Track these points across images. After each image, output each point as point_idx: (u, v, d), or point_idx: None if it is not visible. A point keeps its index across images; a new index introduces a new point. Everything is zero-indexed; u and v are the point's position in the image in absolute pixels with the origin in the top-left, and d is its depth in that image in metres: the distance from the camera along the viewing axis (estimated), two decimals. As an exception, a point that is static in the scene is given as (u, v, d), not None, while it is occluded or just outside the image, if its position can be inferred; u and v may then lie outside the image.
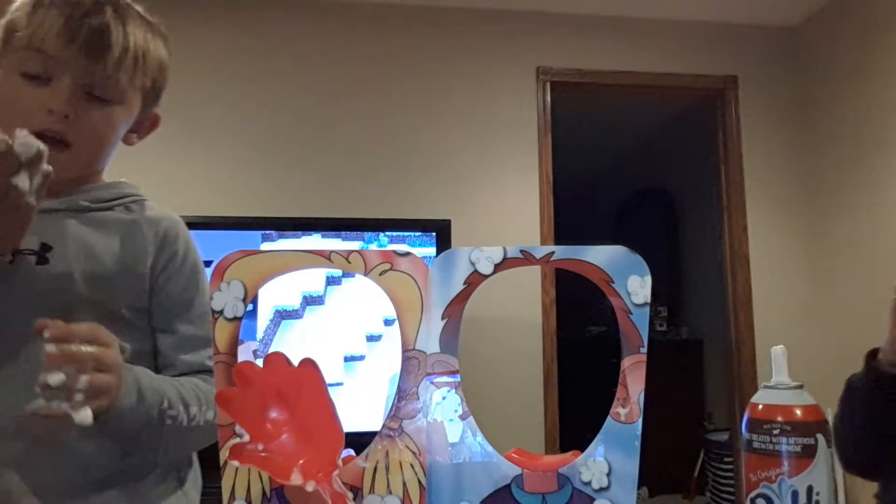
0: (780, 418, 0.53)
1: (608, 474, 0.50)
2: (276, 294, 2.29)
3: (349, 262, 0.51)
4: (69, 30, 0.77)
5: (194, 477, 0.92)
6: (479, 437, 0.51)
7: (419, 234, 2.44)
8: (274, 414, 0.48)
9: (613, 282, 0.51)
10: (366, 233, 2.43)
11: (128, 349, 0.82)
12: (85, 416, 0.61)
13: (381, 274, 0.51)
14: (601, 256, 0.51)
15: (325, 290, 2.31)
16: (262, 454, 0.47)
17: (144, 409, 0.74)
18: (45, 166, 0.67)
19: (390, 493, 0.50)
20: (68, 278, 0.80)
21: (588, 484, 0.51)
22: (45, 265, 0.79)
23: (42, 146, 0.67)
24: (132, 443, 0.78)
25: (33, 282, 0.78)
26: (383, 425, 0.51)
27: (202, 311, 0.89)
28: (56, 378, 0.61)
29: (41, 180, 0.68)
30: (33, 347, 0.71)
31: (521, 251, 0.51)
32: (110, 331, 0.75)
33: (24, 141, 0.65)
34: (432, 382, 0.51)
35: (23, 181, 0.66)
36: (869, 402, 0.92)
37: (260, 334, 2.23)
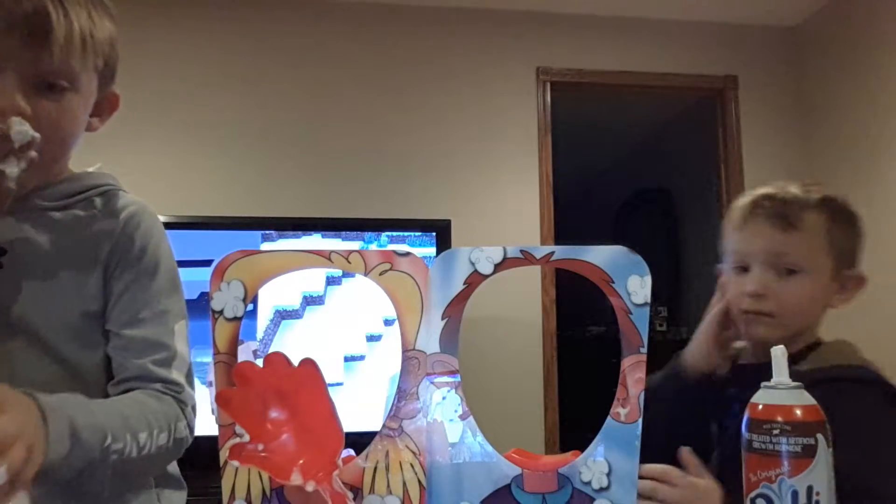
0: (780, 418, 0.52)
1: (608, 474, 0.50)
2: (276, 294, 2.29)
3: (349, 262, 0.51)
4: (3, 19, 0.70)
5: (179, 498, 0.86)
6: (479, 437, 0.51)
7: (419, 234, 2.45)
8: (274, 414, 0.48)
9: (613, 282, 0.51)
10: (366, 233, 2.43)
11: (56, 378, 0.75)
12: (20, 500, 0.55)
13: (381, 274, 0.51)
14: (601, 256, 0.51)
15: (325, 290, 2.31)
16: (262, 454, 0.47)
17: (83, 452, 0.65)
18: (33, 153, 0.68)
19: (390, 493, 0.50)
20: (18, 285, 0.75)
21: (588, 484, 0.51)
22: None
23: (35, 134, 0.67)
24: (76, 485, 0.69)
25: None
26: (383, 425, 0.51)
27: (158, 311, 0.80)
28: None
29: (25, 166, 0.68)
30: None
31: (521, 251, 0.51)
32: (59, 342, 0.72)
33: (20, 129, 0.66)
34: (432, 382, 0.51)
35: (11, 167, 0.66)
36: (672, 411, 0.88)
37: (260, 334, 2.23)
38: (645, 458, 0.52)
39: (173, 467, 0.87)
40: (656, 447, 0.58)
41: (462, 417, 0.51)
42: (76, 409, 0.66)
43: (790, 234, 0.84)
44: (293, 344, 2.28)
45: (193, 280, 2.29)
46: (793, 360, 0.85)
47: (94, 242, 0.80)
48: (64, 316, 0.77)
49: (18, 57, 0.71)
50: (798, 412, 0.53)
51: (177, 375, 0.79)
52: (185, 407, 0.79)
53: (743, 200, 0.91)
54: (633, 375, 0.51)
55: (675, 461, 0.76)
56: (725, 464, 0.78)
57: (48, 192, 0.80)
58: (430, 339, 0.51)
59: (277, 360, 0.48)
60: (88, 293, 0.79)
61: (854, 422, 0.71)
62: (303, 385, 0.48)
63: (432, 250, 2.43)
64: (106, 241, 0.80)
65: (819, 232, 0.85)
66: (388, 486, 0.50)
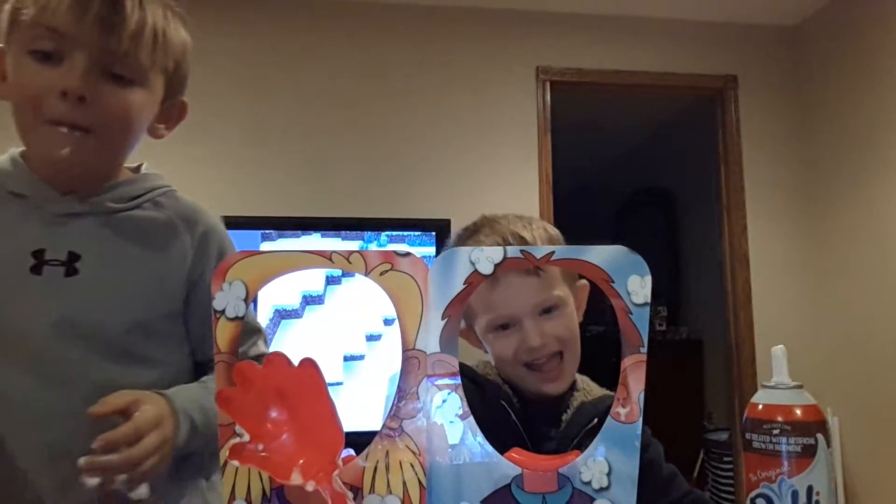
0: (780, 418, 0.53)
1: (608, 474, 0.50)
2: (276, 294, 2.29)
3: (350, 262, 0.51)
4: (80, 3, 0.70)
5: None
6: (479, 438, 0.51)
7: (419, 233, 2.45)
8: (274, 414, 0.48)
9: (613, 282, 0.51)
10: (366, 233, 2.43)
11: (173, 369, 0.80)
12: (140, 493, 0.63)
13: (381, 274, 0.51)
14: (601, 256, 0.51)
15: (325, 290, 2.32)
16: (262, 454, 0.47)
17: (197, 443, 0.73)
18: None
19: (390, 493, 0.50)
20: (97, 290, 0.75)
21: (588, 484, 0.51)
22: (74, 276, 0.74)
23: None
24: (184, 462, 0.77)
25: (60, 295, 0.74)
26: (383, 425, 0.51)
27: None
28: (92, 482, 0.61)
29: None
30: (53, 363, 0.71)
31: (521, 251, 0.51)
32: (140, 342, 0.74)
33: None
34: (433, 383, 0.51)
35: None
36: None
37: (260, 334, 2.23)
38: None
39: None
40: None
41: (462, 417, 0.51)
42: (193, 405, 0.73)
43: (542, 277, 0.82)
44: (293, 343, 2.28)
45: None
46: (567, 393, 0.87)
47: (177, 249, 0.82)
48: (139, 315, 0.78)
49: (89, 40, 0.71)
50: (798, 412, 0.53)
51: (264, 349, 0.87)
52: None
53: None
54: (633, 375, 0.51)
55: None
56: None
57: (116, 193, 0.80)
58: (430, 339, 0.51)
59: (277, 360, 0.48)
60: (167, 293, 0.81)
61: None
62: (303, 385, 0.48)
63: (432, 250, 2.43)
64: (189, 248, 0.82)
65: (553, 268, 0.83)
66: (388, 486, 0.50)
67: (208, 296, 0.82)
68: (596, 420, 0.83)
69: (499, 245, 0.83)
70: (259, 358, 0.86)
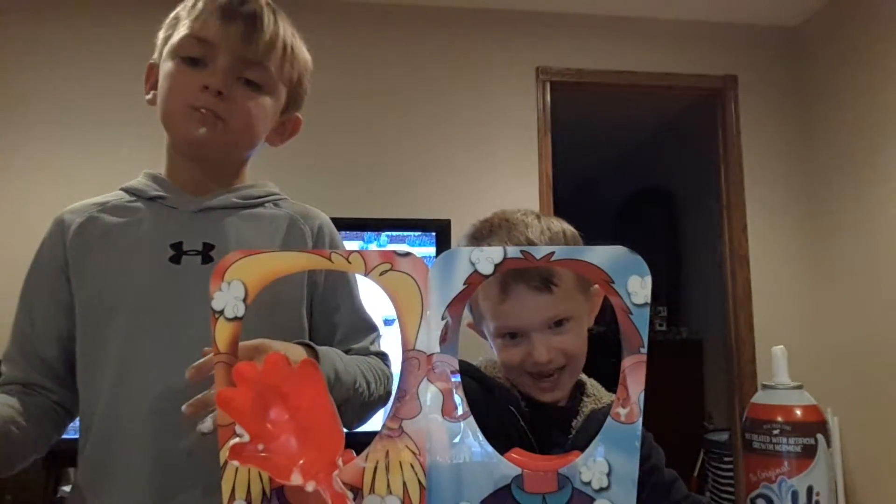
0: (780, 418, 0.52)
1: (608, 474, 0.50)
2: (276, 294, 2.29)
3: (349, 262, 0.51)
4: (226, 15, 0.82)
5: None
6: (480, 438, 0.51)
7: (419, 234, 2.44)
8: (274, 414, 0.48)
9: (613, 282, 0.51)
10: (366, 233, 2.43)
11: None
12: (206, 426, 0.62)
13: (381, 274, 0.51)
14: (601, 256, 0.51)
15: (325, 290, 2.31)
16: (262, 454, 0.47)
17: (341, 390, 0.77)
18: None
19: (390, 493, 0.50)
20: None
21: (588, 484, 0.51)
22: (209, 264, 0.82)
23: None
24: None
25: (199, 282, 0.77)
26: (383, 425, 0.51)
27: (359, 303, 0.94)
28: (206, 425, 0.62)
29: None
30: (196, 347, 0.72)
31: (521, 251, 0.51)
32: (273, 324, 0.76)
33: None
34: (433, 384, 0.51)
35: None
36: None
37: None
38: None
39: None
40: None
41: (462, 417, 0.51)
42: (335, 355, 0.79)
43: (554, 292, 0.80)
44: (293, 344, 2.27)
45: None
46: (574, 400, 0.87)
47: (298, 240, 0.90)
48: (267, 299, 0.81)
49: (231, 48, 0.82)
50: (798, 412, 0.53)
51: (382, 348, 0.95)
52: (389, 370, 0.92)
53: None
54: (633, 376, 0.51)
55: None
56: None
57: (240, 193, 0.90)
58: (430, 340, 0.51)
59: (277, 360, 0.48)
60: (291, 280, 0.87)
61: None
62: (303, 385, 0.48)
63: (432, 250, 2.43)
64: (309, 239, 0.91)
65: (568, 275, 0.82)
66: (388, 486, 0.50)
67: (325, 282, 0.90)
68: None
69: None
70: (382, 356, 0.92)
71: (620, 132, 4.45)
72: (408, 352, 0.51)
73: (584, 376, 0.92)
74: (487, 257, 0.51)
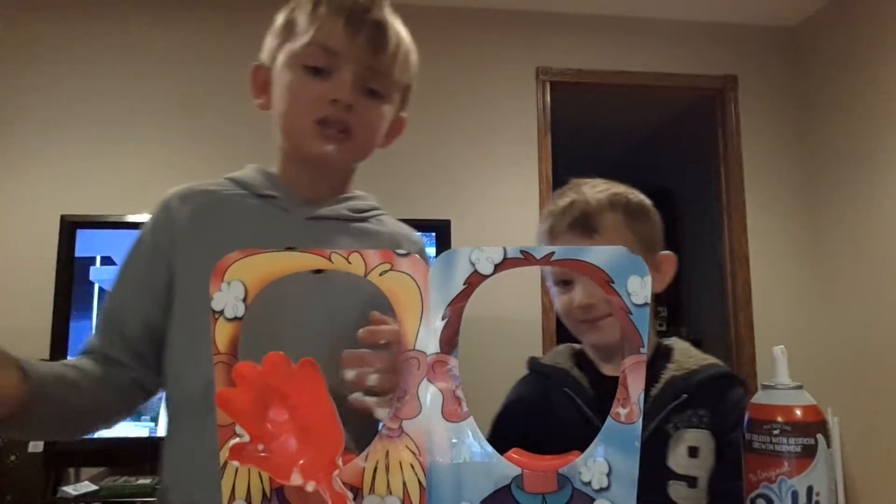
0: (780, 418, 0.52)
1: (608, 474, 0.50)
2: (276, 294, 2.29)
3: (349, 262, 0.51)
4: (352, 24, 0.80)
5: None
6: (479, 437, 0.51)
7: (419, 234, 2.44)
8: (274, 414, 0.48)
9: (613, 282, 0.51)
10: (366, 233, 2.43)
11: None
12: (384, 413, 0.62)
13: (381, 274, 0.51)
14: (601, 256, 0.51)
15: (325, 290, 2.31)
16: (262, 454, 0.47)
17: None
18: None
19: (390, 493, 0.50)
20: (337, 287, 0.82)
21: (588, 484, 0.51)
22: (319, 273, 0.80)
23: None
24: None
25: (307, 288, 0.79)
26: (383, 425, 0.51)
27: None
28: (349, 374, 0.64)
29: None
30: (297, 349, 0.73)
31: (521, 251, 0.51)
32: (351, 338, 0.76)
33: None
34: (433, 384, 0.51)
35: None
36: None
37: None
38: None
39: None
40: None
41: (462, 418, 0.51)
42: None
43: (595, 239, 0.86)
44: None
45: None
46: (651, 369, 0.87)
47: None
48: (364, 313, 0.82)
49: (357, 58, 0.81)
50: (798, 412, 0.53)
51: None
52: None
53: (543, 215, 0.94)
54: (633, 376, 0.51)
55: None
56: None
57: (350, 204, 0.92)
58: (429, 340, 0.51)
59: (277, 360, 0.48)
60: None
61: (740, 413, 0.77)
62: (303, 385, 0.48)
63: (432, 250, 2.43)
64: None
65: (620, 229, 0.88)
66: (388, 486, 0.50)
67: None
68: (685, 396, 0.83)
69: (565, 206, 0.89)
70: None
71: (620, 132, 4.45)
72: (408, 352, 0.51)
73: (674, 341, 0.94)
74: (487, 257, 0.51)
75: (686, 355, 0.91)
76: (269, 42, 0.89)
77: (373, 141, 0.88)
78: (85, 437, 0.82)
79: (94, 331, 0.86)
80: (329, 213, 0.88)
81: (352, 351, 0.65)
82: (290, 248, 0.82)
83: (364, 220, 0.92)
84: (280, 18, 0.87)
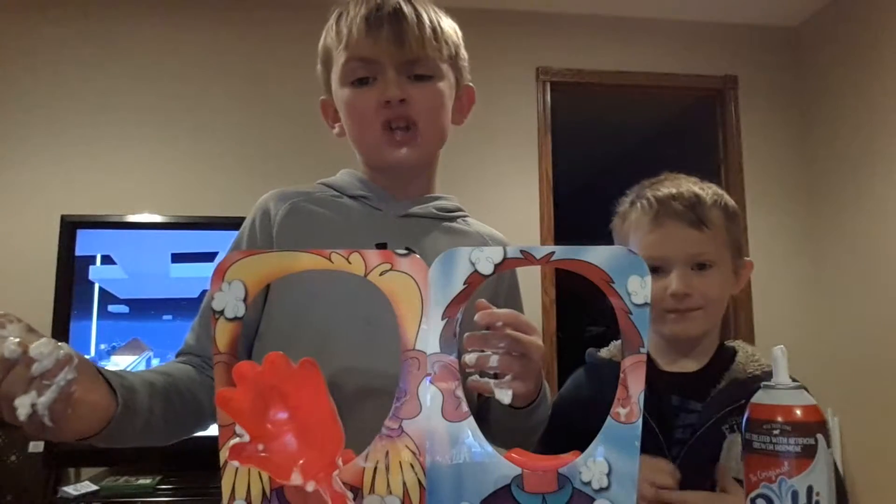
0: (780, 418, 0.52)
1: (608, 474, 0.50)
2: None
3: (349, 262, 0.51)
4: (371, 26, 0.83)
5: None
6: (480, 437, 0.51)
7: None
8: (274, 414, 0.48)
9: (613, 282, 0.51)
10: (366, 233, 2.42)
11: None
12: (504, 395, 0.62)
13: (380, 274, 0.51)
14: (601, 256, 0.51)
15: (325, 290, 2.31)
16: (262, 454, 0.47)
17: (544, 411, 0.77)
18: (62, 379, 0.53)
19: (390, 493, 0.50)
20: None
21: (588, 484, 0.51)
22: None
23: (71, 354, 0.55)
24: (524, 437, 0.80)
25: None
26: (383, 425, 0.51)
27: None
28: (469, 357, 0.63)
29: (54, 397, 0.53)
30: (391, 343, 0.73)
31: (521, 251, 0.51)
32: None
33: (41, 350, 0.53)
34: (433, 383, 0.51)
35: (24, 404, 0.52)
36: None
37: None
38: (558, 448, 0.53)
39: None
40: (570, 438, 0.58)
41: (462, 417, 0.51)
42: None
43: (704, 232, 0.87)
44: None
45: (195, 277, 2.29)
46: (713, 368, 0.88)
47: None
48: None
49: (389, 56, 0.83)
50: (798, 412, 0.53)
51: None
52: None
53: (643, 202, 0.93)
54: (633, 376, 0.51)
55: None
56: (686, 474, 0.78)
57: (437, 204, 0.94)
58: (429, 340, 0.51)
59: (277, 360, 0.48)
60: (481, 294, 0.87)
61: None
62: (303, 385, 0.48)
63: (432, 250, 2.43)
64: None
65: (721, 228, 0.89)
66: (388, 486, 0.50)
67: (506, 297, 0.91)
68: (744, 401, 0.83)
69: (672, 195, 0.89)
70: None
71: (620, 132, 4.45)
72: (408, 352, 0.51)
73: (739, 344, 0.93)
74: (487, 257, 0.51)
75: (750, 359, 0.90)
76: (320, 75, 0.93)
77: (441, 122, 0.90)
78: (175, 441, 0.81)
79: (190, 330, 0.87)
80: (420, 212, 0.91)
81: (473, 333, 0.65)
82: (380, 245, 0.83)
83: (452, 219, 0.95)
84: (319, 49, 0.91)
